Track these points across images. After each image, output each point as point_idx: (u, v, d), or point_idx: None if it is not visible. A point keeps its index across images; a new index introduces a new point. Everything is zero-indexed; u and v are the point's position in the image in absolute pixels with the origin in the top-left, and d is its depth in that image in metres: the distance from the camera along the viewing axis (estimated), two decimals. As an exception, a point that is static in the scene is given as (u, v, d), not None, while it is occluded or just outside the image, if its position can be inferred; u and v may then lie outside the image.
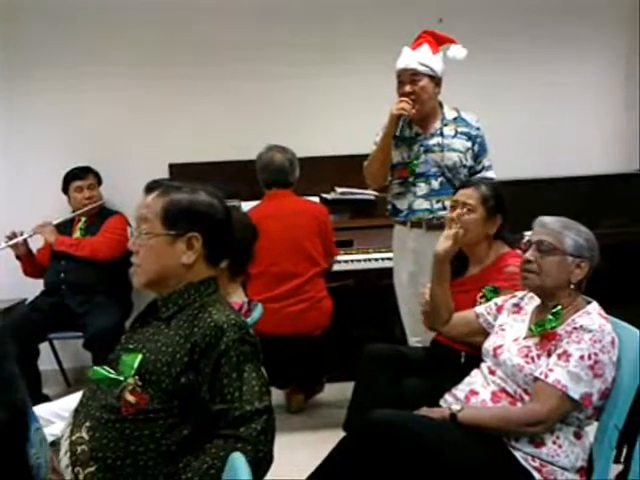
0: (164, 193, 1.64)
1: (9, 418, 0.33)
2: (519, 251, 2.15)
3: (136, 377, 1.55)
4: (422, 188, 2.96)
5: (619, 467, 2.06)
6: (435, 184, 2.96)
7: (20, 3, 3.87)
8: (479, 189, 2.45)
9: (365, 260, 3.60)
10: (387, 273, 3.57)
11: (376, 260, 3.60)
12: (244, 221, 2.46)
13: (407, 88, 2.93)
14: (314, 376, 3.46)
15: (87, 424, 1.57)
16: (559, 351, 1.82)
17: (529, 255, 1.95)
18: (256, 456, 1.47)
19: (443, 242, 2.30)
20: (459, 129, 3.02)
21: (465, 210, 2.40)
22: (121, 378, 1.55)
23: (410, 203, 2.98)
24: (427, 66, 2.94)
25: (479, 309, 2.22)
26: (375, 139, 3.05)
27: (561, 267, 1.90)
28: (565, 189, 3.81)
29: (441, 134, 2.99)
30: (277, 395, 3.48)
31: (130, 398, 1.54)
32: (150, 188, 1.66)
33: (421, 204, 2.96)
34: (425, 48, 2.97)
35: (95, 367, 1.62)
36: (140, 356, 1.57)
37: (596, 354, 1.79)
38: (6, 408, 0.34)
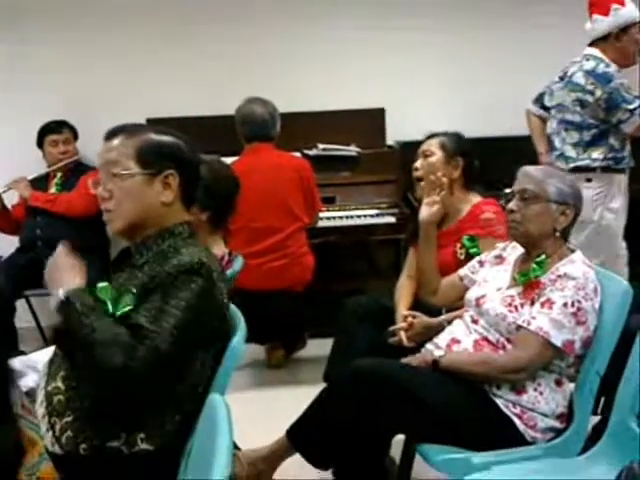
0: (133, 134, 1.59)
1: None
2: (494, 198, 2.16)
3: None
4: None
5: (596, 419, 2.08)
6: None
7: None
8: (437, 137, 2.53)
9: (347, 217, 3.58)
10: (369, 229, 3.57)
11: (358, 217, 3.57)
12: (226, 172, 2.42)
13: None
14: (295, 332, 3.45)
15: (62, 373, 1.55)
16: (542, 299, 1.81)
17: (512, 205, 1.93)
18: (125, 361, 1.37)
19: (427, 208, 2.32)
20: None
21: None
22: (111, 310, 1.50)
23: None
24: None
25: (462, 271, 2.21)
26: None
27: (545, 215, 1.89)
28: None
29: None
30: (257, 350, 3.48)
31: None
32: (112, 133, 1.61)
33: None
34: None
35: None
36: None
37: (579, 301, 1.78)
38: None
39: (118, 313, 1.48)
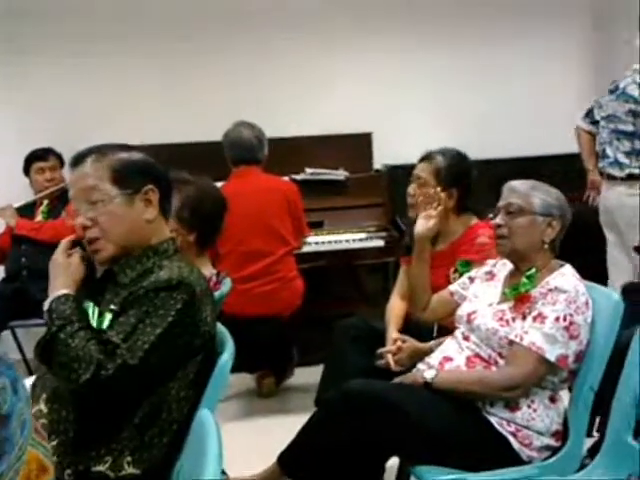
0: (102, 156, 1.54)
1: None
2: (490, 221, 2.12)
3: None
4: None
5: (591, 441, 2.04)
6: None
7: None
8: (433, 162, 2.42)
9: (336, 241, 3.57)
10: (358, 253, 3.56)
11: (347, 241, 3.57)
12: (214, 193, 2.40)
13: None
14: (284, 358, 3.40)
15: (44, 396, 1.52)
16: (534, 313, 1.80)
17: (499, 220, 1.93)
18: (92, 377, 1.37)
19: (424, 222, 2.27)
20: None
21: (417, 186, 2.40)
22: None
23: None
24: None
25: (453, 287, 2.18)
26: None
27: (531, 227, 1.88)
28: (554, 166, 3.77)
29: None
30: (247, 380, 3.42)
31: None
32: (80, 157, 1.54)
33: None
34: None
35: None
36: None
37: (571, 315, 1.77)
38: None
39: (96, 327, 1.47)
